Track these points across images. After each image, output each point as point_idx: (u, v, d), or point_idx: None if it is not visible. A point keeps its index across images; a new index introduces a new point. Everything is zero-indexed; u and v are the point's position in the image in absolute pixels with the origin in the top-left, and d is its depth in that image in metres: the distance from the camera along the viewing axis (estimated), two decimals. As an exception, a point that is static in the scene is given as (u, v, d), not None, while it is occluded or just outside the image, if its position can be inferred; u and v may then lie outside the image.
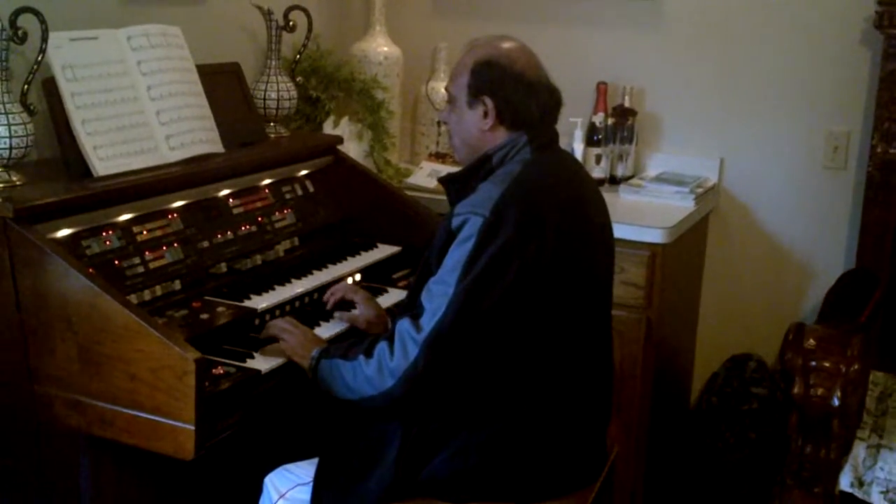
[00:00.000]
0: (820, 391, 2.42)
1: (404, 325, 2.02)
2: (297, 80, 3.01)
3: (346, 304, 2.50)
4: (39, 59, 2.17)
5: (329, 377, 2.11)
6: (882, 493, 2.43)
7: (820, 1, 3.24)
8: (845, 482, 2.47)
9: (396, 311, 2.44)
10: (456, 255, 2.00)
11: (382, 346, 2.03)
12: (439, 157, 3.40)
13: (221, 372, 2.07)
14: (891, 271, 2.99)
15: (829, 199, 3.32)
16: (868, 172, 3.04)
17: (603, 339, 2.19)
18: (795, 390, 2.44)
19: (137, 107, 2.40)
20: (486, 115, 2.15)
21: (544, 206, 2.03)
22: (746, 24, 3.35)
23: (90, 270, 2.01)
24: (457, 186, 2.19)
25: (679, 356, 3.45)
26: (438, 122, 3.59)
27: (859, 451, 2.51)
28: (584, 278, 2.10)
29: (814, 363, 2.44)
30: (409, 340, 1.99)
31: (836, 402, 2.41)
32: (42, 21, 2.14)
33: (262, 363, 2.16)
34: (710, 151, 3.44)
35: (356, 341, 2.17)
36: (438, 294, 1.99)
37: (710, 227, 3.48)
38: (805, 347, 2.45)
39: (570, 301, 2.06)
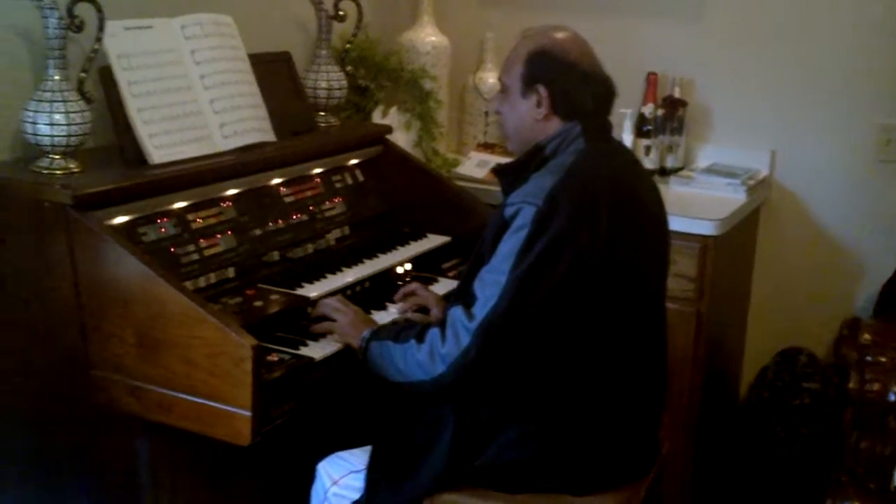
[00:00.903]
0: (876, 386, 2.40)
1: (457, 312, 2.01)
2: (347, 69, 3.01)
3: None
4: (96, 47, 2.19)
5: (379, 359, 2.11)
6: (940, 489, 2.40)
7: (875, -12, 3.20)
8: (902, 477, 2.44)
9: (448, 300, 2.44)
10: (509, 245, 1.99)
11: (434, 331, 2.03)
12: (487, 147, 3.40)
13: (276, 359, 2.08)
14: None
15: (883, 193, 3.27)
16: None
17: (656, 332, 2.18)
18: (851, 385, 2.42)
19: (191, 95, 2.42)
20: (539, 104, 2.14)
21: (597, 197, 2.02)
22: (798, 12, 3.30)
23: (147, 257, 2.02)
24: (510, 177, 2.18)
25: (728, 349, 3.42)
26: (486, 112, 3.59)
27: (915, 446, 2.48)
28: (637, 270, 2.08)
29: (869, 358, 2.41)
30: (461, 328, 1.99)
31: (893, 398, 2.37)
32: (99, 10, 2.15)
33: (315, 350, 2.16)
34: (761, 143, 3.40)
35: (408, 325, 2.17)
36: (491, 283, 1.99)
37: (760, 220, 3.44)
38: (860, 342, 2.41)
39: (623, 292, 2.05)
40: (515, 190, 2.06)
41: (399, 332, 2.12)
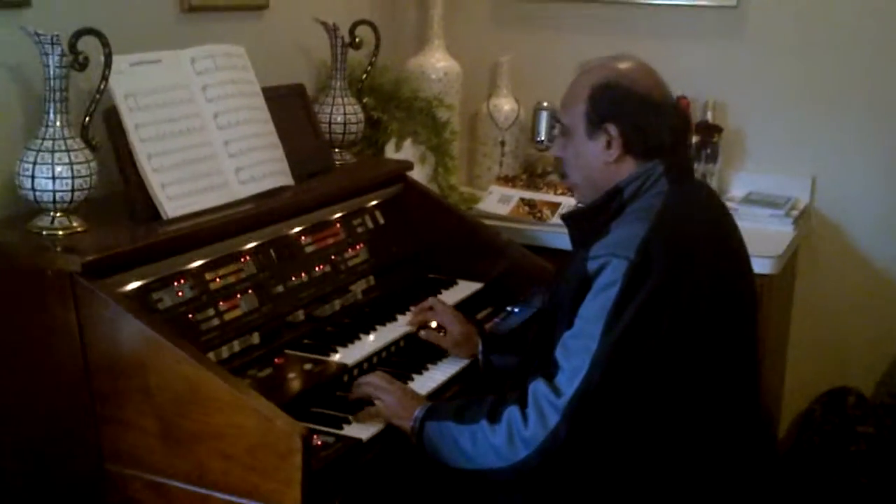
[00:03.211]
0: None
1: (540, 387, 1.75)
2: (364, 101, 2.74)
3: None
4: (102, 87, 1.91)
5: (439, 443, 1.84)
6: None
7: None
8: None
9: (493, 338, 2.21)
10: (597, 304, 1.74)
11: (513, 410, 1.76)
12: (508, 180, 3.14)
13: (319, 443, 1.80)
14: None
15: (932, 223, 3.07)
16: None
17: (754, 395, 1.93)
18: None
19: (204, 137, 2.14)
20: (609, 144, 1.90)
21: (694, 246, 1.78)
22: (835, 31, 3.10)
23: (171, 332, 1.73)
24: (584, 224, 1.92)
25: (767, 395, 3.18)
26: (502, 142, 3.34)
27: None
28: (736, 324, 1.84)
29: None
30: (546, 406, 1.73)
31: None
32: (105, 44, 1.87)
33: (360, 430, 1.89)
34: (800, 170, 3.18)
35: (470, 400, 1.91)
36: (578, 351, 1.73)
37: (800, 252, 3.21)
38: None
39: (724, 352, 1.80)
40: (595, 240, 1.80)
41: (461, 410, 1.85)
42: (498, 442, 1.76)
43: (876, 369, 3.21)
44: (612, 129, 1.89)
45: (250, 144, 2.24)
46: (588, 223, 1.91)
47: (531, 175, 3.25)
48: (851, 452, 2.94)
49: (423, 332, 2.23)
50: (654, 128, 1.89)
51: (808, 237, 3.19)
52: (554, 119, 2.01)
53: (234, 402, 1.65)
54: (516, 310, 2.55)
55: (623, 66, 1.96)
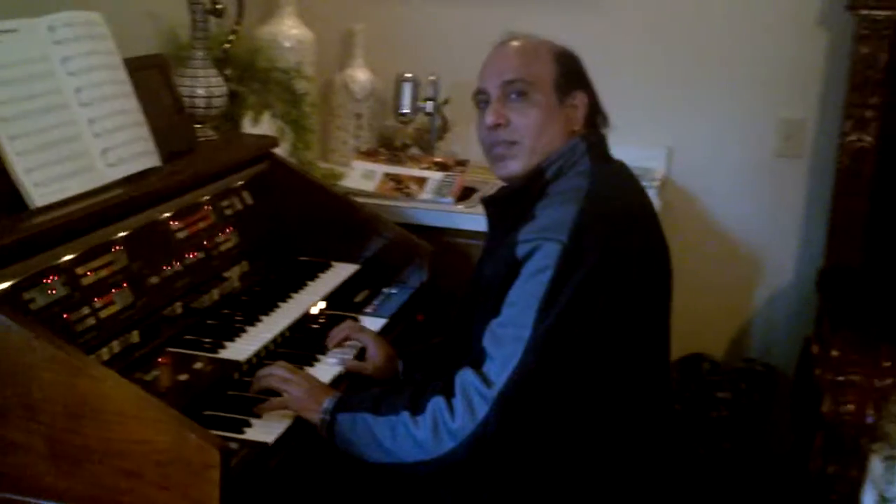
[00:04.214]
0: (851, 408, 2.24)
1: (468, 377, 1.67)
2: (227, 72, 2.56)
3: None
4: (-43, 61, 1.67)
5: (353, 435, 1.74)
6: (909, 510, 2.28)
7: (770, -18, 3.07)
8: (869, 501, 2.29)
9: (413, 356, 2.09)
10: (528, 290, 1.67)
11: (438, 401, 1.68)
12: (370, 154, 3.02)
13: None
14: (864, 264, 2.85)
15: (782, 190, 3.18)
16: (839, 163, 2.88)
17: (666, 379, 1.91)
18: (825, 408, 2.25)
19: (67, 115, 1.93)
20: (573, 115, 1.85)
21: (624, 225, 1.73)
22: (693, 7, 3.14)
23: (58, 339, 1.55)
24: (506, 208, 1.84)
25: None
26: (358, 115, 3.22)
27: (875, 465, 2.34)
28: (660, 299, 1.82)
29: (841, 378, 2.25)
30: (475, 396, 1.64)
31: (870, 420, 2.23)
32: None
33: (264, 432, 1.75)
34: (656, 141, 3.22)
35: (384, 390, 1.80)
36: (509, 339, 1.65)
37: (657, 221, 3.26)
38: (833, 360, 2.25)
39: (649, 330, 1.78)
40: (522, 224, 1.73)
41: (378, 400, 1.74)
42: (421, 434, 1.67)
43: (727, 335, 3.31)
44: (581, 98, 1.86)
45: (116, 123, 2.04)
46: (512, 207, 1.83)
47: (390, 148, 3.15)
48: (713, 419, 3.02)
49: (348, 364, 2.05)
50: (600, 102, 1.89)
51: (664, 207, 3.23)
52: (501, 87, 1.87)
53: (140, 414, 1.49)
54: (394, 291, 2.47)
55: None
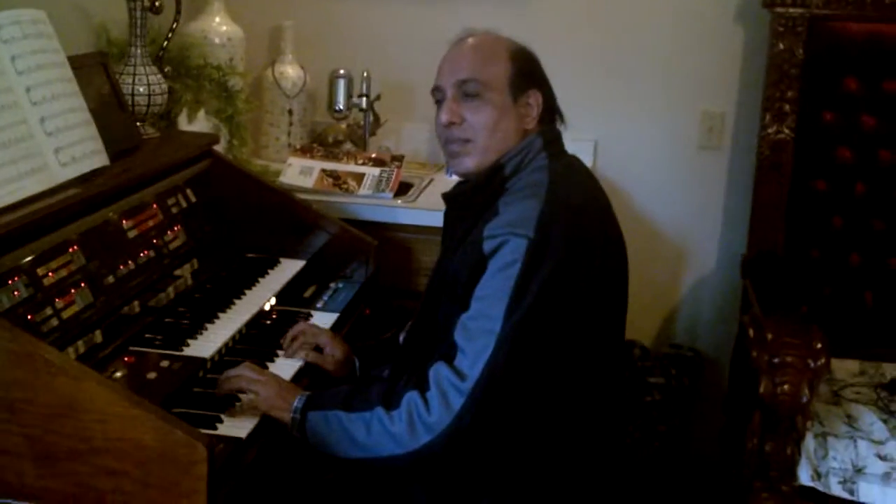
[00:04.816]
0: (787, 388, 2.34)
1: (442, 371, 1.70)
2: (166, 70, 2.54)
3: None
4: (-85, 59, 1.64)
5: (326, 433, 1.76)
6: (840, 482, 2.41)
7: (691, -22, 3.17)
8: (805, 476, 2.42)
9: (367, 352, 2.11)
10: (496, 284, 1.71)
11: (413, 395, 1.71)
12: (305, 151, 3.03)
13: (201, 448, 1.66)
14: (785, 250, 2.98)
15: (705, 181, 3.29)
16: (760, 153, 3.00)
17: (621, 367, 1.98)
18: (763, 389, 2.35)
19: (19, 115, 1.90)
20: (527, 113, 1.89)
21: (587, 219, 1.79)
22: (617, 3, 3.23)
23: (33, 339, 1.53)
24: (466, 205, 1.88)
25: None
26: (290, 111, 3.22)
27: (808, 442, 2.46)
28: (618, 288, 1.88)
29: (777, 359, 2.36)
30: (450, 389, 1.68)
31: (805, 399, 2.34)
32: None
33: (236, 427, 1.76)
34: (584, 134, 3.29)
35: (353, 388, 1.83)
36: (480, 332, 1.69)
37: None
38: (768, 342, 2.36)
39: (612, 322, 1.84)
40: (485, 220, 1.77)
41: (349, 398, 1.76)
42: (397, 429, 1.69)
43: (655, 322, 3.41)
44: (535, 96, 1.90)
45: (67, 121, 2.01)
46: (472, 202, 1.87)
47: (324, 145, 3.16)
48: (647, 403, 3.12)
49: (310, 356, 2.07)
50: (555, 99, 1.93)
51: (592, 199, 3.32)
52: (455, 85, 1.90)
53: (123, 412, 1.49)
54: (341, 285, 2.50)
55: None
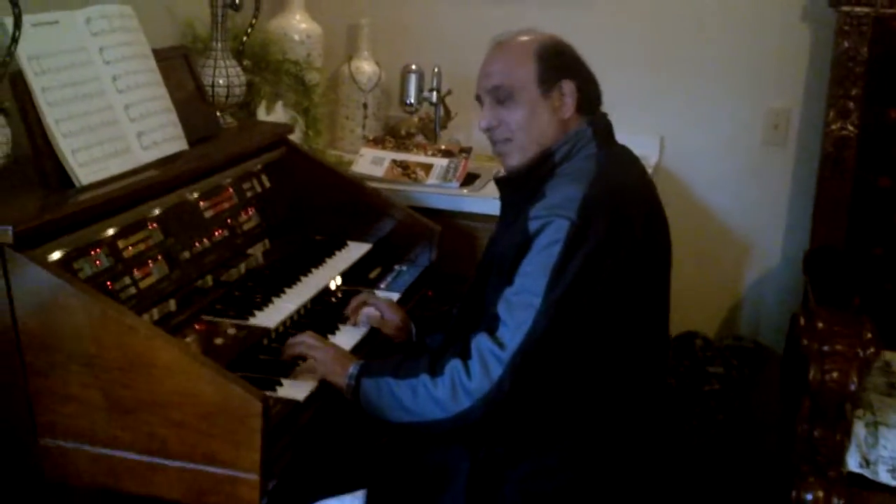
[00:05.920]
0: (836, 375, 2.39)
1: (483, 341, 1.82)
2: (245, 63, 2.71)
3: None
4: (12, 49, 1.81)
5: (377, 398, 1.88)
6: (889, 471, 2.44)
7: (758, -24, 3.22)
8: (853, 463, 2.46)
9: (424, 321, 2.24)
10: (539, 262, 1.82)
11: (456, 363, 1.82)
12: (378, 142, 3.17)
13: (261, 407, 1.80)
14: (847, 245, 3.01)
15: (768, 177, 3.33)
16: (823, 150, 3.04)
17: (666, 345, 2.06)
18: (811, 376, 2.40)
19: (105, 101, 2.07)
20: (563, 101, 1.98)
21: (630, 207, 1.88)
22: (685, 2, 3.29)
23: (116, 304, 1.69)
24: (517, 188, 1.99)
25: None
26: (364, 105, 3.36)
27: (859, 430, 2.50)
28: (662, 282, 1.97)
29: (827, 347, 2.40)
30: (491, 358, 1.79)
31: (853, 387, 2.38)
32: (15, 3, 1.78)
33: (295, 390, 1.90)
34: (650, 130, 3.37)
35: (402, 357, 1.95)
36: (522, 306, 1.80)
37: (650, 207, 3.41)
38: (819, 331, 2.40)
39: (651, 307, 1.93)
40: (532, 202, 1.88)
41: (398, 366, 1.89)
42: (440, 394, 1.81)
43: (718, 314, 3.46)
44: (568, 86, 1.97)
45: (149, 108, 2.18)
46: (523, 186, 1.98)
47: (396, 137, 3.29)
48: (705, 392, 3.17)
49: (371, 320, 2.23)
50: (597, 89, 2.01)
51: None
52: (489, 92, 2.02)
53: (188, 368, 1.63)
54: (405, 268, 2.62)
55: (546, 33, 2.04)
